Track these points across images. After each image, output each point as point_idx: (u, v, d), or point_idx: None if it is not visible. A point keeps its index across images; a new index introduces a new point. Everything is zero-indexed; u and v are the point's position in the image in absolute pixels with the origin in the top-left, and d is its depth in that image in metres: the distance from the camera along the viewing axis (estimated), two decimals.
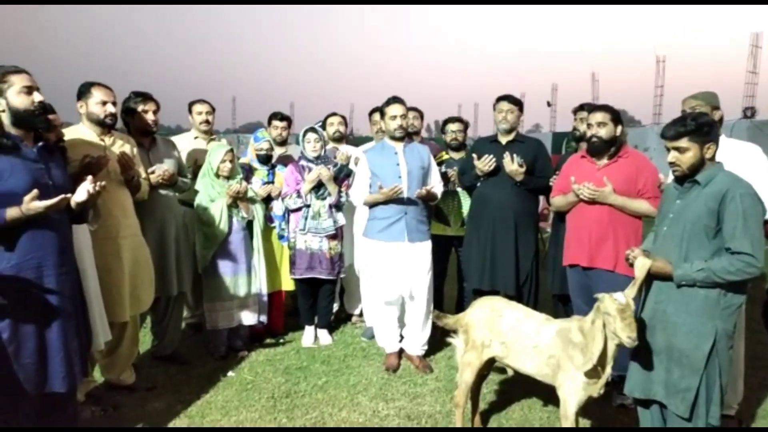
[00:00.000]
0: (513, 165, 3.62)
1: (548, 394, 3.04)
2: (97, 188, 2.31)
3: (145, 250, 3.24)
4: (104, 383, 3.31)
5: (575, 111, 3.88)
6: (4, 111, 2.20)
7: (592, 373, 2.35)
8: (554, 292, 3.74)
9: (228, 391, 3.38)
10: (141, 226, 3.24)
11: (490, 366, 2.92)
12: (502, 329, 2.69)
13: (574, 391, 2.43)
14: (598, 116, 3.05)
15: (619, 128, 3.07)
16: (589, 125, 3.10)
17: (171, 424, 2.97)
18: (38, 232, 2.23)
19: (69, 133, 2.87)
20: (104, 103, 2.99)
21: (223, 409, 3.15)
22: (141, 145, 3.41)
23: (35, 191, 2.11)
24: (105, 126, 3.03)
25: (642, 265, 2.28)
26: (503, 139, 3.81)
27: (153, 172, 3.35)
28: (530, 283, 3.77)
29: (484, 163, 3.69)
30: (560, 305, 3.74)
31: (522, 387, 3.26)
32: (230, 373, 3.62)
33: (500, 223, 3.71)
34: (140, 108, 3.45)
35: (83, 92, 3.02)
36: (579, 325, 2.44)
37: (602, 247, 3.06)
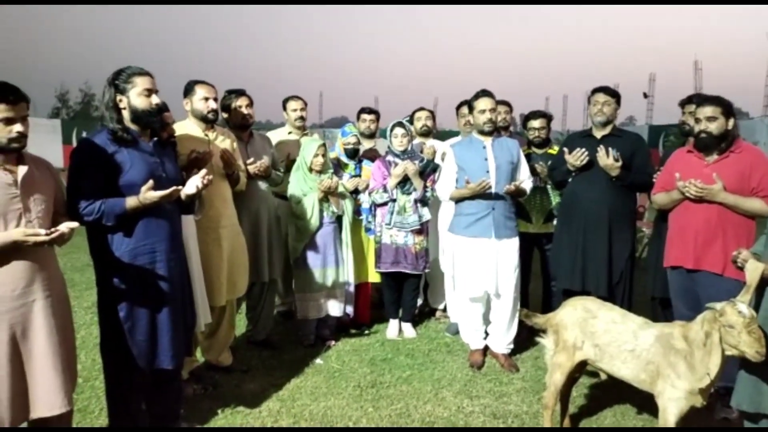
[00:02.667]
0: (608, 159, 3.44)
1: (643, 401, 2.91)
2: (205, 182, 2.47)
3: (241, 238, 3.42)
4: (205, 363, 3.53)
5: (683, 104, 3.60)
6: (125, 108, 2.40)
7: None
8: (655, 295, 3.54)
9: (317, 377, 3.50)
10: (237, 216, 3.41)
11: (581, 369, 2.83)
12: (596, 331, 2.59)
13: (675, 400, 2.30)
14: (708, 110, 2.84)
15: (731, 122, 2.85)
16: (697, 120, 2.88)
17: (264, 406, 3.12)
18: (152, 220, 2.41)
19: (177, 129, 3.06)
20: (206, 99, 3.19)
21: (312, 394, 3.28)
22: (240, 139, 3.60)
23: (150, 182, 2.29)
24: (208, 121, 3.23)
25: (754, 269, 2.12)
26: (598, 134, 3.61)
27: (251, 163, 3.52)
28: (624, 284, 3.56)
29: (576, 157, 3.53)
30: (659, 309, 3.54)
31: (615, 392, 3.13)
32: (318, 361, 3.75)
33: (592, 220, 3.53)
34: (235, 104, 3.65)
35: (188, 90, 3.23)
36: (682, 332, 2.30)
37: (710, 248, 2.85)
